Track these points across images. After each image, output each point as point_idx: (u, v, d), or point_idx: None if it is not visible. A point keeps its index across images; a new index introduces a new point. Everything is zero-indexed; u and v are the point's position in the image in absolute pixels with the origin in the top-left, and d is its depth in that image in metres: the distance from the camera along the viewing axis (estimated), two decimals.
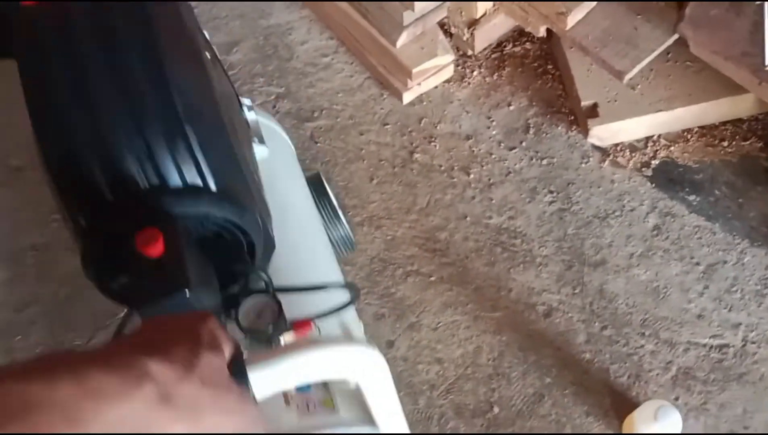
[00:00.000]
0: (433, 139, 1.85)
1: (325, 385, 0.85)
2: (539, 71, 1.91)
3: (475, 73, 1.92)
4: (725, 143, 1.73)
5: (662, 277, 1.59)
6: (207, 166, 0.74)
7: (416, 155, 1.84)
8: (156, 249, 0.65)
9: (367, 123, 1.89)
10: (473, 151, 1.83)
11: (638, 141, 1.77)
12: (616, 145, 1.77)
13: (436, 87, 1.91)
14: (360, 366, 0.65)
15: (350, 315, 1.04)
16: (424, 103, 1.90)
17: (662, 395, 1.46)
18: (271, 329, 0.79)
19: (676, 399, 1.46)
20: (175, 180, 0.73)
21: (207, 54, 0.89)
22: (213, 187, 0.74)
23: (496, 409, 1.49)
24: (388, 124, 1.88)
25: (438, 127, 1.86)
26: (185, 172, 0.73)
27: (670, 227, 1.65)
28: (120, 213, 0.71)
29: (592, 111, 1.75)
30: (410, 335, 1.60)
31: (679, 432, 1.34)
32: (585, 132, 1.77)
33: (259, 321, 0.79)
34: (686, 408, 1.45)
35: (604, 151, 1.78)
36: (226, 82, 1.06)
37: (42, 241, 1.72)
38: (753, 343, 1.50)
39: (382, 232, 1.75)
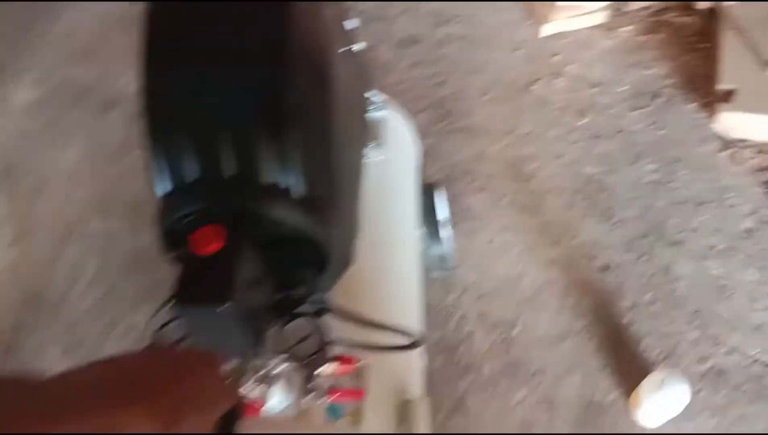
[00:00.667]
0: (558, 77, 1.83)
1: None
2: (692, 46, 1.83)
3: (626, 28, 1.87)
4: None
5: (734, 279, 1.51)
6: (297, 170, 0.68)
7: (536, 86, 1.83)
8: (209, 248, 0.62)
9: (500, 42, 1.90)
10: (595, 99, 1.79)
11: (765, 145, 1.66)
12: (741, 140, 1.67)
13: (580, 29, 1.88)
14: None
15: (412, 356, 0.95)
16: (563, 41, 1.88)
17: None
18: (310, 360, 0.72)
19: (698, 392, 1.40)
20: (258, 175, 0.68)
21: (344, 48, 0.85)
22: (297, 192, 0.69)
23: (515, 331, 1.50)
24: (520, 49, 1.88)
25: (568, 68, 1.84)
26: (271, 169, 0.68)
27: (763, 236, 1.55)
28: (195, 193, 0.68)
29: (727, 96, 1.66)
30: (463, 241, 1.62)
31: (683, 406, 1.29)
32: (713, 117, 1.69)
33: (301, 346, 0.72)
34: (704, 404, 1.39)
35: (725, 142, 1.69)
36: (361, 76, 1.01)
37: None
38: None
39: (476, 144, 1.77)
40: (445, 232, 1.41)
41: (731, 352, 1.44)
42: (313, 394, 0.73)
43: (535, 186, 1.68)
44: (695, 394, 1.39)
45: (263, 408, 0.68)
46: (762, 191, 1.61)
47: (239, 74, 0.69)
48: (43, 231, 1.73)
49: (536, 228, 1.62)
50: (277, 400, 0.69)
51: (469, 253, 1.61)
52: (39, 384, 0.37)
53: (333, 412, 0.79)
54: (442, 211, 1.42)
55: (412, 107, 1.83)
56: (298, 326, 0.73)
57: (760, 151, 1.66)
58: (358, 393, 0.77)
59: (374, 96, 1.09)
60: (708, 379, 1.42)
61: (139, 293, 1.60)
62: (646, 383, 1.30)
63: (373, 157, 1.04)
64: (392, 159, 1.11)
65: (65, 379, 0.39)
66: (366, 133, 1.04)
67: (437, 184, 1.46)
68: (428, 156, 1.74)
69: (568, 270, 1.56)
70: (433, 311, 1.51)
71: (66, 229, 1.73)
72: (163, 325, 0.72)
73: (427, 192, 1.40)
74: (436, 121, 1.82)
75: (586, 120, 1.76)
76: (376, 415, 0.81)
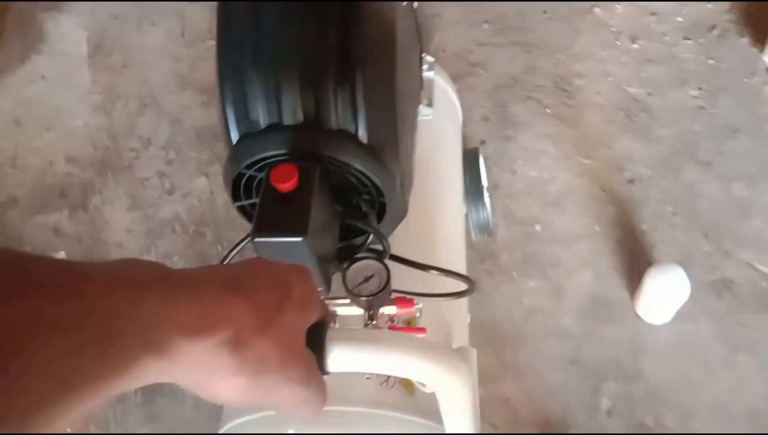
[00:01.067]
0: (619, 2, 1.89)
1: None
2: None
3: None
4: None
5: (758, 202, 1.57)
6: (364, 117, 0.71)
7: (596, 9, 1.89)
8: (287, 185, 0.65)
9: None
10: (651, 26, 1.84)
11: None
12: None
13: None
14: (441, 377, 0.59)
15: (459, 309, 1.01)
16: None
17: (692, 290, 1.49)
18: (373, 298, 0.75)
19: (703, 299, 1.48)
20: (329, 121, 0.71)
21: (406, 2, 0.88)
22: (364, 139, 0.72)
23: (537, 227, 1.62)
24: None
25: None
26: (341, 115, 0.71)
27: None
28: (266, 140, 0.71)
29: None
30: (501, 144, 1.74)
31: (683, 300, 1.38)
32: (765, 50, 1.72)
33: (364, 285, 0.75)
34: (706, 310, 1.47)
35: None
36: (416, 33, 1.05)
37: None
38: None
39: (528, 57, 1.86)
40: (486, 198, 1.44)
41: (741, 266, 1.51)
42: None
43: (579, 100, 1.77)
44: (699, 300, 1.48)
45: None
46: None
47: (310, 22, 0.71)
48: (122, 101, 1.95)
49: (573, 138, 1.72)
50: None
51: (505, 155, 1.72)
52: (162, 272, 0.39)
53: None
54: (484, 176, 1.45)
55: (473, 19, 1.95)
56: (361, 267, 0.76)
57: None
58: (419, 331, 0.79)
59: (425, 56, 1.13)
60: (714, 288, 1.50)
61: (200, 165, 1.81)
62: (648, 275, 1.39)
63: (422, 116, 1.08)
64: (440, 119, 1.13)
65: (185, 271, 0.41)
66: (420, 90, 1.08)
67: (480, 149, 1.50)
68: (483, 66, 1.86)
69: (596, 179, 1.66)
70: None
71: (143, 102, 1.94)
72: (233, 248, 0.78)
73: (471, 155, 1.43)
74: (494, 35, 1.92)
75: (639, 44, 1.81)
76: None
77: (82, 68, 2.00)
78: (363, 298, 0.74)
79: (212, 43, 0.79)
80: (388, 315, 0.79)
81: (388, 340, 0.56)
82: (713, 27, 1.81)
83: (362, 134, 0.72)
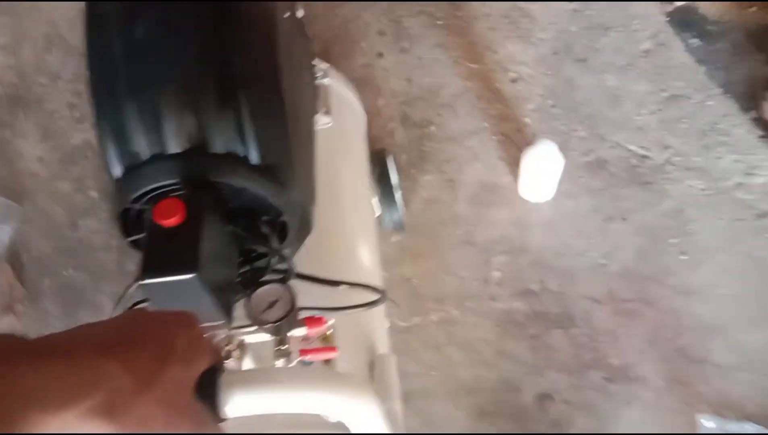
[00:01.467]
0: None
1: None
2: None
3: None
4: (753, 9, 1.77)
5: (626, 90, 1.72)
6: (252, 137, 0.68)
7: None
8: (171, 220, 0.62)
9: None
10: None
11: None
12: None
13: None
14: (346, 410, 0.57)
15: (376, 317, 1.00)
16: None
17: (571, 171, 1.64)
18: (280, 323, 0.74)
19: (580, 178, 1.64)
20: (215, 145, 0.67)
21: (288, 14, 0.85)
22: (254, 159, 0.69)
23: (432, 128, 1.74)
24: None
25: None
26: (227, 138, 0.67)
27: (659, 55, 1.75)
28: (151, 171, 0.67)
29: None
30: (398, 55, 1.85)
31: (558, 174, 1.53)
32: None
33: (270, 311, 0.73)
34: (584, 187, 1.63)
35: None
36: (304, 43, 1.02)
37: None
38: (672, 165, 1.63)
39: None
40: (397, 197, 1.48)
41: (614, 146, 1.67)
42: (284, 357, 0.75)
43: (466, 10, 1.89)
44: (577, 179, 1.63)
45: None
46: (664, 19, 1.80)
47: (185, 42, 0.67)
48: (30, 42, 1.97)
49: (462, 46, 1.84)
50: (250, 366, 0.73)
51: (402, 66, 1.83)
52: (30, 340, 0.38)
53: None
54: (394, 176, 1.49)
55: None
56: (264, 292, 0.74)
57: None
58: (329, 350, 0.79)
59: (318, 63, 1.12)
60: (590, 167, 1.65)
61: None
62: (524, 154, 1.53)
63: (321, 125, 1.06)
64: (340, 125, 1.12)
65: (52, 336, 0.39)
66: (315, 100, 1.06)
67: (387, 151, 1.55)
68: None
69: (484, 81, 1.79)
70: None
71: (50, 40, 1.97)
72: (135, 304, 0.73)
73: (378, 158, 1.47)
74: None
75: None
76: (351, 369, 0.85)
77: None
78: (269, 325, 0.73)
79: None
80: (300, 336, 0.77)
81: (287, 378, 0.55)
82: None
83: (252, 155, 0.68)
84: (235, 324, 0.74)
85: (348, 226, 1.09)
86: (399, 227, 1.55)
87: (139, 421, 0.39)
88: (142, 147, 0.67)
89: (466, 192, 1.66)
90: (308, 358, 0.78)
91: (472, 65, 1.81)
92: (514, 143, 1.70)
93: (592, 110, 1.71)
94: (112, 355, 0.39)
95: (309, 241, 0.83)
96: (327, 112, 1.08)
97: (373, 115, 1.76)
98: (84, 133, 1.80)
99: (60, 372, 0.37)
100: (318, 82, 1.09)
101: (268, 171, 0.69)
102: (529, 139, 1.68)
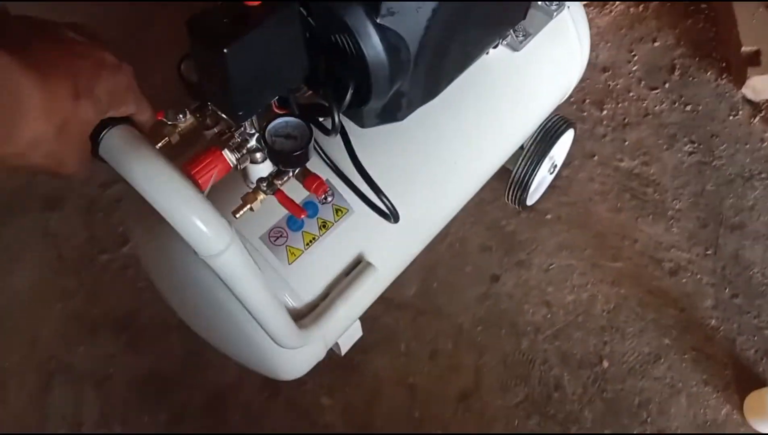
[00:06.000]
0: None
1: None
2: (690, 9, 1.72)
3: (617, 1, 1.74)
4: None
5: None
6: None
7: None
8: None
9: None
10: (609, 85, 1.66)
11: None
12: None
13: None
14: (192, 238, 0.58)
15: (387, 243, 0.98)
16: None
17: None
18: (282, 156, 0.72)
19: None
20: None
21: None
22: (378, 17, 0.68)
23: (605, 364, 1.39)
24: None
25: None
26: None
27: None
28: None
29: (754, 58, 1.56)
30: (518, 272, 1.48)
31: None
32: (739, 81, 1.60)
33: (283, 141, 0.72)
34: None
35: (755, 106, 1.60)
36: None
37: None
38: None
39: None
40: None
41: None
42: (262, 185, 0.76)
43: (576, 193, 1.55)
44: None
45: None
46: None
47: None
48: None
49: (591, 241, 1.50)
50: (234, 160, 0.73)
51: (530, 287, 1.47)
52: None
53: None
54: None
55: None
56: (287, 124, 0.72)
57: None
58: (299, 211, 0.78)
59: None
60: None
61: None
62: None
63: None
64: (537, 55, 1.08)
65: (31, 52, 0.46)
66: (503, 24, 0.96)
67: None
68: None
69: (638, 281, 1.45)
70: (509, 364, 1.38)
71: None
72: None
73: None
74: None
75: (606, 111, 1.63)
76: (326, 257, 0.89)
77: None
78: (271, 149, 0.72)
79: None
80: (291, 179, 0.78)
81: (154, 174, 0.54)
82: (672, 68, 1.66)
83: (382, 9, 0.67)
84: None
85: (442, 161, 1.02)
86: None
87: (32, 138, 0.46)
88: None
89: None
90: (279, 199, 0.77)
91: (614, 264, 1.47)
92: (711, 357, 1.37)
93: None
94: (36, 76, 0.45)
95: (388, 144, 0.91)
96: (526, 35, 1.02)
97: (522, 367, 1.39)
98: None
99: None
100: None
101: (386, 35, 0.68)
102: (727, 346, 1.37)
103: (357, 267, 0.93)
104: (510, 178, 1.39)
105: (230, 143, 0.74)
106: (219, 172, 0.72)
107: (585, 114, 1.63)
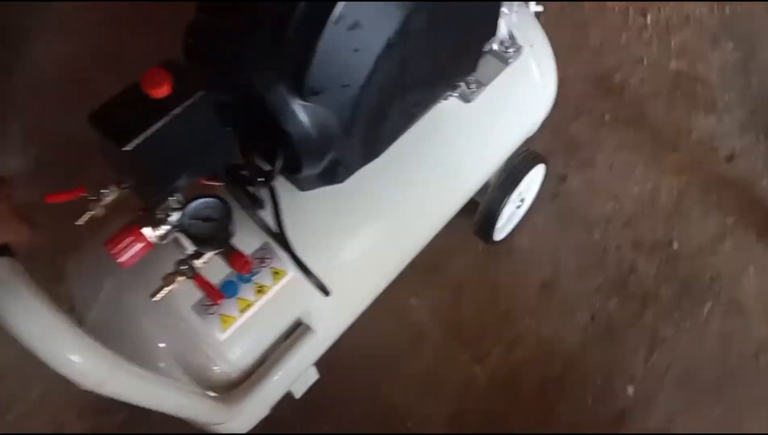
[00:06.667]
0: None
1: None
2: None
3: None
4: None
5: None
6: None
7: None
8: (156, 91, 0.59)
9: None
10: None
11: None
12: None
13: None
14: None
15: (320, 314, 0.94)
16: None
17: None
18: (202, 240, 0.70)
19: None
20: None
21: None
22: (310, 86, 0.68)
23: (675, 245, 1.48)
24: None
25: None
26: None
27: None
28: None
29: None
30: (583, 171, 1.56)
31: None
32: None
33: (200, 224, 0.69)
34: None
35: None
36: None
37: None
38: None
39: None
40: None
41: None
42: (181, 269, 0.73)
43: (630, 96, 1.63)
44: None
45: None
46: None
47: None
48: None
49: (649, 137, 1.58)
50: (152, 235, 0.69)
51: (596, 183, 1.55)
52: None
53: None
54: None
55: None
56: (207, 205, 0.70)
57: None
58: (217, 295, 0.75)
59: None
60: None
61: None
62: None
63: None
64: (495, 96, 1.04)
65: None
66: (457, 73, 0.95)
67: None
68: None
69: (697, 169, 1.54)
70: (585, 252, 1.46)
71: None
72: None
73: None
74: None
75: (650, 16, 1.71)
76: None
77: None
78: (198, 236, 0.70)
79: None
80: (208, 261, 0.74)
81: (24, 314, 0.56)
82: None
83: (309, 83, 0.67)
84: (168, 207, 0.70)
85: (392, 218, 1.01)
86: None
87: None
88: None
89: (759, 307, 1.41)
90: (198, 284, 0.74)
91: (673, 156, 1.56)
92: None
93: None
94: None
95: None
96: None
97: (598, 255, 1.47)
98: None
99: None
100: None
101: (313, 111, 0.70)
102: None
103: (296, 331, 0.91)
104: (476, 213, 1.34)
105: (153, 219, 0.70)
106: (141, 249, 0.69)
107: (630, 22, 1.71)
